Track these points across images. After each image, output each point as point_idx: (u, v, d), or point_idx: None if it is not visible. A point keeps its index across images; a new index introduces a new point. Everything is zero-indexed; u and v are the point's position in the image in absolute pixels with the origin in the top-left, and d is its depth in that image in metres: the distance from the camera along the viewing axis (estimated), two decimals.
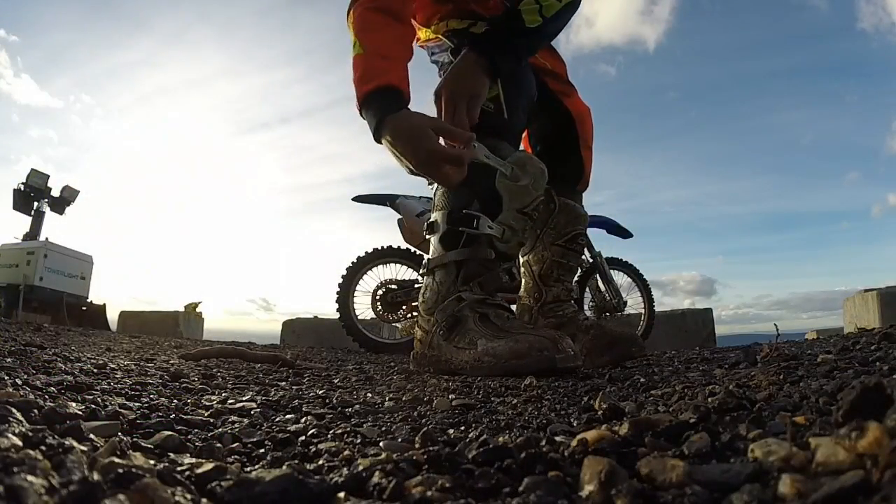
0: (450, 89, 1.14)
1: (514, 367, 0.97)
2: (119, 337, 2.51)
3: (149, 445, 0.39)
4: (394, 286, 2.81)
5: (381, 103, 1.05)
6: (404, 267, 2.86)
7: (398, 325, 3.12)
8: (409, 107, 1.08)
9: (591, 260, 3.02)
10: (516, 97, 1.24)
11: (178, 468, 0.32)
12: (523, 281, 1.51)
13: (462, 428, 0.49)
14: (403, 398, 0.69)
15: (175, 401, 0.60)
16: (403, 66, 1.13)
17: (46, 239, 7.80)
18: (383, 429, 0.49)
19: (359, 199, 2.85)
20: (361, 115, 1.10)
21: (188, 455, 0.38)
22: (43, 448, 0.30)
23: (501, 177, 1.16)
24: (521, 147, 1.49)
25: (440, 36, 1.37)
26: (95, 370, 0.82)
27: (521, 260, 1.52)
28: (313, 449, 0.41)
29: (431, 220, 1.24)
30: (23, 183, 8.47)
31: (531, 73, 1.32)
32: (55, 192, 8.78)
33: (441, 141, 1.04)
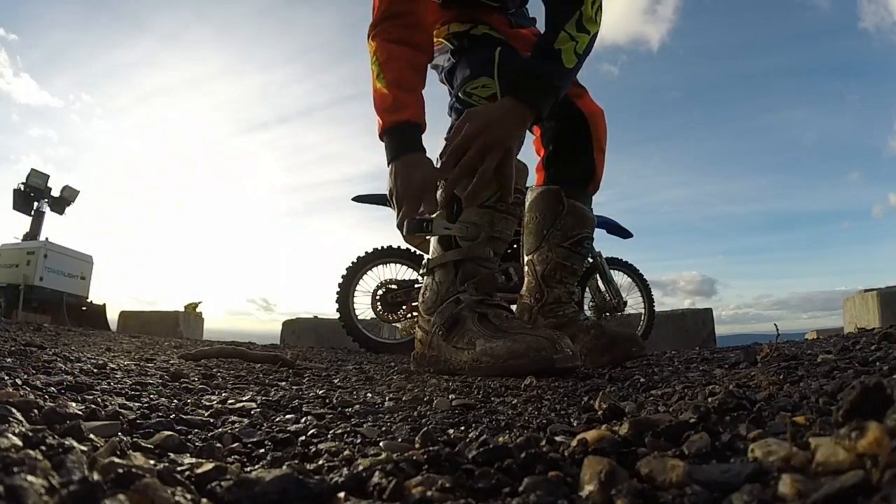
0: (485, 139, 1.08)
1: (512, 368, 0.96)
2: (119, 337, 2.51)
3: (149, 445, 0.39)
4: (394, 286, 2.81)
5: (401, 138, 1.18)
6: (404, 267, 2.86)
7: (398, 325, 3.12)
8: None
9: (591, 260, 3.02)
10: None
11: (178, 468, 0.32)
12: (526, 280, 1.50)
13: (462, 428, 0.49)
14: (403, 398, 0.69)
15: (175, 401, 0.60)
16: (420, 97, 1.23)
17: (46, 239, 7.80)
18: (383, 429, 0.49)
19: (359, 199, 2.86)
20: (381, 138, 1.22)
21: (188, 455, 0.38)
22: (43, 448, 0.30)
23: None
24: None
25: (441, 39, 1.37)
26: (95, 370, 0.82)
27: (525, 258, 1.51)
28: (313, 449, 0.41)
29: (430, 220, 1.23)
30: (23, 183, 8.48)
31: None
32: (55, 192, 8.78)
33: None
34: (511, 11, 1.45)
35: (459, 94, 1.23)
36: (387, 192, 1.20)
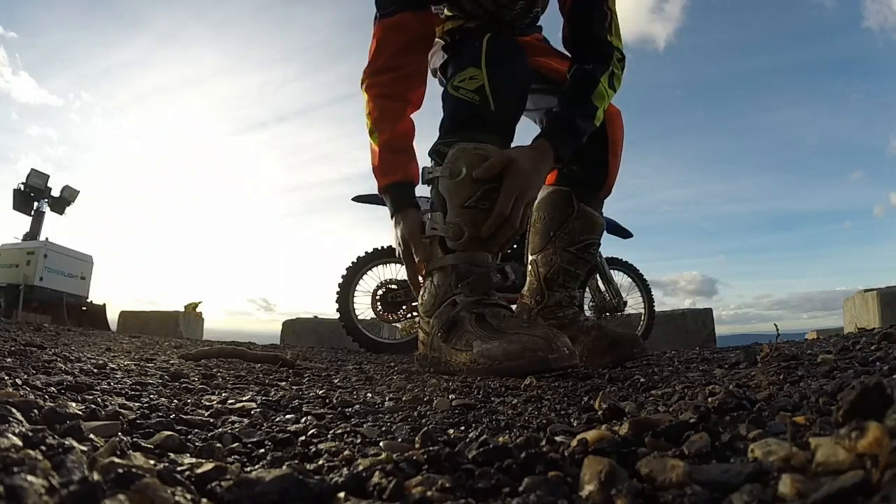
0: (529, 193, 1.12)
1: (509, 368, 0.96)
2: (119, 337, 2.51)
3: (149, 445, 0.39)
4: (394, 286, 2.81)
5: (394, 197, 1.28)
6: (404, 267, 2.86)
7: (398, 325, 3.12)
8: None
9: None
10: (504, 85, 1.16)
11: (178, 468, 0.32)
12: (528, 280, 1.49)
13: (462, 428, 0.49)
14: (403, 398, 0.69)
15: (175, 401, 0.60)
16: (409, 154, 1.29)
17: (46, 239, 7.81)
18: (383, 429, 0.49)
19: (359, 199, 2.86)
20: (380, 194, 1.32)
21: (188, 455, 0.38)
22: (43, 448, 0.30)
23: (441, 179, 1.15)
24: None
25: (436, 39, 1.36)
26: (95, 370, 0.82)
27: (529, 258, 1.50)
28: (313, 449, 0.41)
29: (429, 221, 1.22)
30: (23, 183, 8.49)
31: (522, 56, 1.23)
32: (55, 192, 8.79)
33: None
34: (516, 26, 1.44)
35: (448, 87, 1.20)
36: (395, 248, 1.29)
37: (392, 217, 1.28)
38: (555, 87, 1.37)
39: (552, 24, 1.51)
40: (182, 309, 5.87)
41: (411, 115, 1.33)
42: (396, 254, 1.29)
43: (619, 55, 1.25)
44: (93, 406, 0.49)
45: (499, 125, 1.18)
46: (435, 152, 1.20)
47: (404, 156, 1.28)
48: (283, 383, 0.87)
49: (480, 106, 1.15)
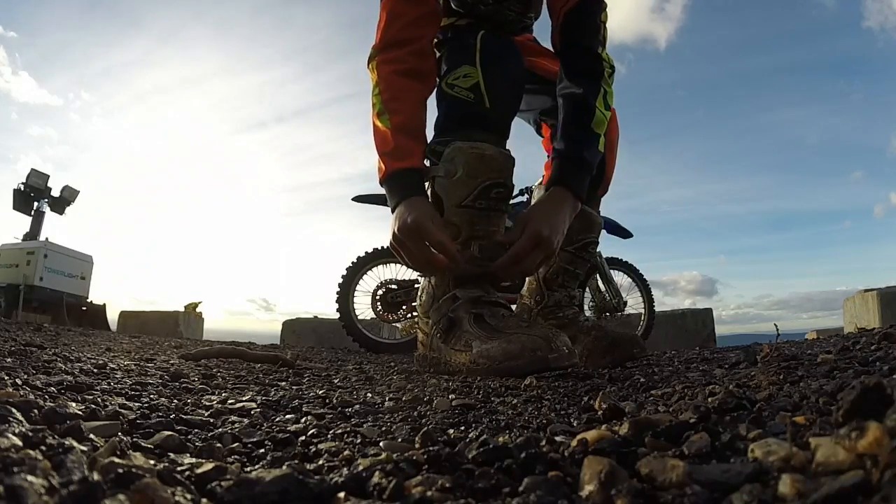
0: (548, 252, 1.11)
1: (508, 368, 0.96)
2: (119, 337, 2.51)
3: (149, 445, 0.39)
4: (394, 286, 2.81)
5: (403, 184, 1.14)
6: (404, 267, 2.86)
7: (398, 325, 3.12)
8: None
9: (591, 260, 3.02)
10: (499, 82, 1.16)
11: (178, 468, 0.32)
12: (527, 280, 1.50)
13: (462, 428, 0.49)
14: (403, 398, 0.69)
15: (175, 401, 0.60)
16: (424, 140, 1.19)
17: (46, 239, 7.81)
18: (383, 429, 0.49)
19: (359, 199, 2.86)
20: (381, 183, 1.18)
21: (188, 455, 0.38)
22: (43, 448, 0.30)
23: (438, 180, 1.14)
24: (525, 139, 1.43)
25: None
26: (95, 370, 0.82)
27: None
28: (313, 449, 0.41)
29: None
30: (23, 183, 8.49)
31: (517, 54, 1.23)
32: (55, 192, 8.80)
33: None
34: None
35: (443, 85, 1.19)
36: (390, 240, 1.14)
37: (398, 205, 1.13)
38: (548, 88, 1.37)
39: (542, 28, 1.51)
40: (182, 309, 5.87)
41: (427, 98, 1.23)
42: (390, 244, 1.14)
43: (610, 69, 1.24)
44: (93, 406, 0.49)
45: (495, 124, 1.18)
46: (431, 151, 1.20)
47: (419, 143, 1.18)
48: (283, 383, 0.87)
49: (476, 104, 1.14)
